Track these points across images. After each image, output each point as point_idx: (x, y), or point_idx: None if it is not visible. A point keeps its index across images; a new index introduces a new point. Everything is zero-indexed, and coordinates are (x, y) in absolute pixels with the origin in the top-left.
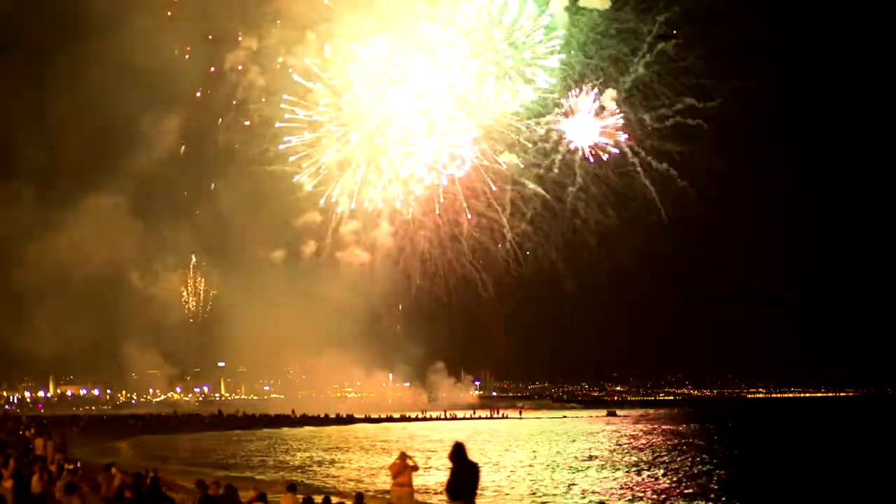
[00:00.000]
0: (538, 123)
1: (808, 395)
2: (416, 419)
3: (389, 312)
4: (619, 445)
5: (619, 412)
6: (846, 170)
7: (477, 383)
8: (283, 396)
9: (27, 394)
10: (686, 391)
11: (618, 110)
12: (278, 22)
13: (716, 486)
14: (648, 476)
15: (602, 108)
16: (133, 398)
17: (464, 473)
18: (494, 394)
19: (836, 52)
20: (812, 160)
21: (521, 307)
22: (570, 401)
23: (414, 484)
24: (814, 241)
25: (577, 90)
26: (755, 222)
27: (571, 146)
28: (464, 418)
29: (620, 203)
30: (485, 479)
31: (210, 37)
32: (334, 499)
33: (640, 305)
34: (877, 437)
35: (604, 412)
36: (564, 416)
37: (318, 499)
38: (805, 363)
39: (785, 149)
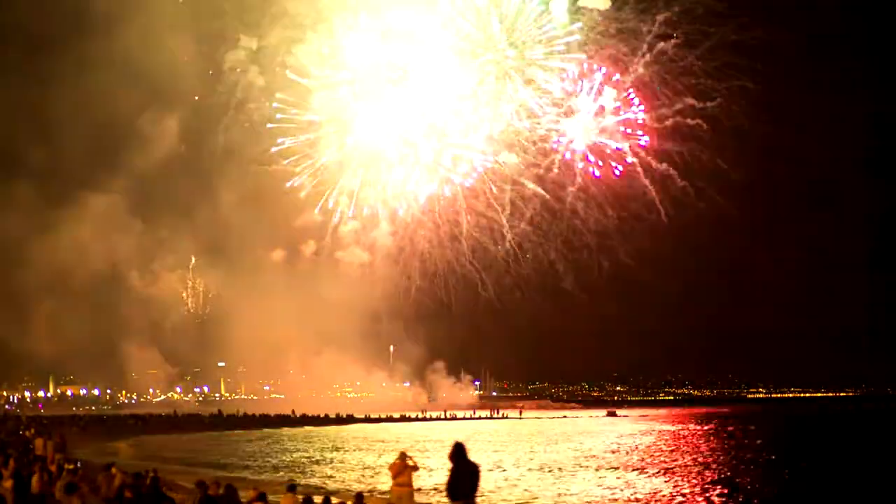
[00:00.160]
0: (538, 123)
1: (808, 395)
2: (416, 419)
3: (389, 312)
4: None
5: (619, 412)
6: (846, 169)
7: (477, 383)
8: (283, 396)
9: (27, 394)
10: (686, 391)
11: (617, 110)
12: (278, 22)
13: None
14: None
15: (602, 108)
16: (133, 398)
17: (464, 473)
18: (494, 394)
19: (835, 52)
20: (812, 159)
21: (520, 307)
22: (570, 401)
23: (414, 484)
24: (814, 241)
25: (577, 90)
26: (755, 222)
27: (571, 146)
28: (464, 418)
29: (620, 203)
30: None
31: (210, 37)
32: (334, 499)
33: (640, 305)
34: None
35: (604, 412)
36: (564, 416)
37: (318, 499)
38: (805, 363)
39: (785, 148)
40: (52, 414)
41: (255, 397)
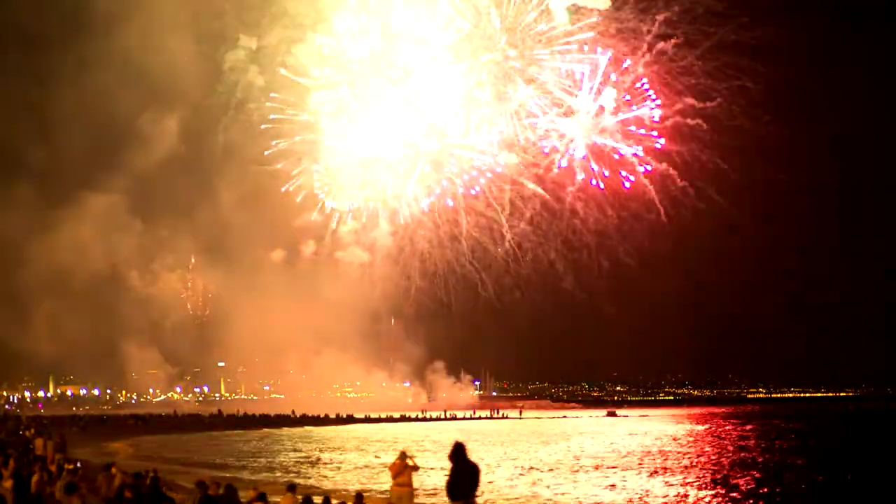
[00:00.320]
0: (538, 123)
1: (808, 394)
2: (416, 419)
3: (389, 312)
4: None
5: (619, 412)
6: (846, 169)
7: (477, 383)
8: (283, 396)
9: (27, 394)
10: (686, 391)
11: (617, 110)
12: (278, 22)
13: None
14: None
15: (602, 108)
16: (133, 398)
17: (464, 473)
18: (494, 394)
19: (836, 52)
20: (812, 160)
21: (520, 307)
22: (570, 401)
23: (414, 484)
24: (813, 241)
25: (577, 90)
26: (755, 222)
27: (571, 146)
28: (463, 418)
29: (620, 203)
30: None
31: (210, 37)
32: (334, 499)
33: (640, 305)
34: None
35: (604, 412)
36: (564, 416)
37: (318, 499)
38: (805, 363)
39: (785, 148)
40: (52, 414)
41: (255, 397)
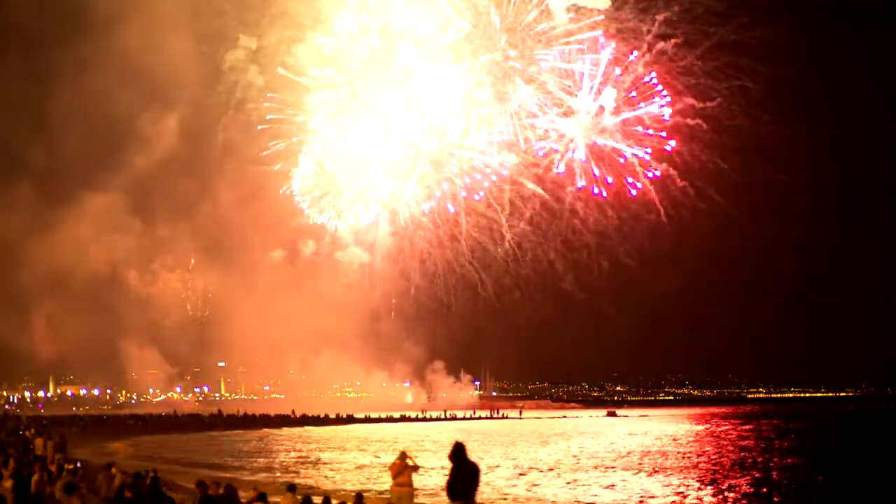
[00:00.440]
0: (538, 123)
1: (808, 394)
2: (416, 419)
3: (389, 312)
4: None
5: (619, 412)
6: (846, 169)
7: (477, 383)
8: (283, 396)
9: (27, 394)
10: (686, 391)
11: (617, 110)
12: (278, 22)
13: None
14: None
15: (601, 108)
16: (133, 398)
17: (463, 473)
18: (494, 394)
19: (836, 52)
20: (812, 160)
21: (520, 307)
22: (570, 401)
23: (414, 484)
24: (813, 241)
25: (577, 90)
26: (754, 222)
27: (571, 146)
28: (464, 418)
29: (620, 203)
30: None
31: (209, 36)
32: (334, 500)
33: (640, 305)
34: None
35: (604, 412)
36: (564, 416)
37: (318, 499)
38: (805, 363)
39: (785, 148)
40: (52, 414)
41: (255, 397)
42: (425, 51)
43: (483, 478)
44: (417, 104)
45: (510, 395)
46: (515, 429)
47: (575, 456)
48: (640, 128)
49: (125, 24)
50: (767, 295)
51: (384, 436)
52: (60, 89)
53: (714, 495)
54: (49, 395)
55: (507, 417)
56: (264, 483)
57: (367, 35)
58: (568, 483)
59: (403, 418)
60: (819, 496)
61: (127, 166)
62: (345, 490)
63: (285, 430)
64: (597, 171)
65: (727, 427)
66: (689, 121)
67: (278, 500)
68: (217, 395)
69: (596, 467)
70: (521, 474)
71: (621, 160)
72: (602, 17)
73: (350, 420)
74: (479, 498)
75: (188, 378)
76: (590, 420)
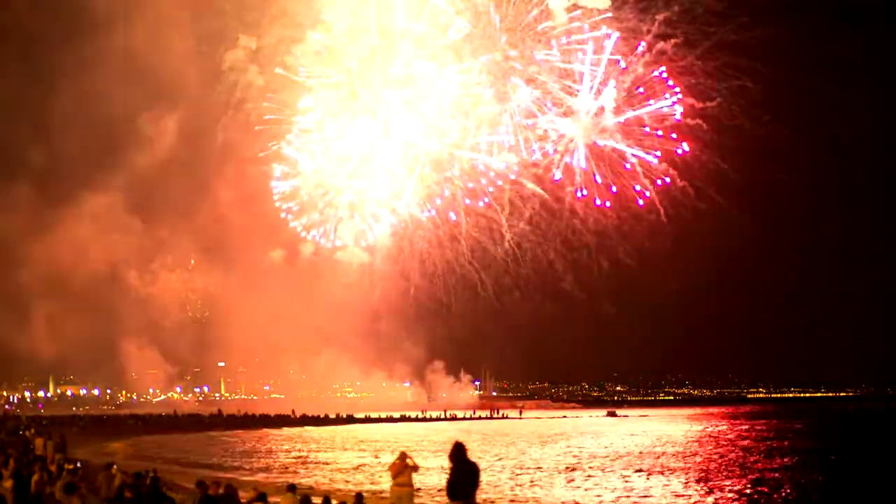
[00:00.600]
0: (537, 123)
1: (808, 394)
2: (416, 419)
3: (389, 312)
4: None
5: (619, 412)
6: (846, 169)
7: (477, 383)
8: (283, 396)
9: (27, 394)
10: (686, 391)
11: (617, 110)
12: (278, 21)
13: None
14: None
15: (601, 107)
16: (133, 398)
17: (463, 473)
18: (494, 394)
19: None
20: (812, 160)
21: (520, 307)
22: (570, 401)
23: (414, 484)
24: (813, 241)
25: (577, 90)
26: (755, 222)
27: (570, 146)
28: (464, 418)
29: (620, 203)
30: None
31: (209, 36)
32: (334, 500)
33: (640, 305)
34: None
35: (604, 412)
36: (564, 416)
37: (318, 499)
38: (805, 363)
39: (785, 148)
40: (52, 414)
41: (255, 397)
42: (425, 51)
43: (483, 478)
44: (417, 104)
45: (510, 395)
46: (515, 429)
47: (575, 456)
48: (646, 128)
49: (125, 24)
50: (767, 295)
51: (384, 436)
52: (60, 89)
53: (714, 495)
54: (49, 395)
55: (507, 417)
56: (264, 483)
57: (367, 35)
58: (567, 483)
59: (403, 418)
60: (819, 496)
61: (127, 166)
62: (345, 490)
63: (285, 431)
64: (599, 179)
65: (727, 427)
66: (689, 121)
67: (278, 500)
68: (217, 395)
69: (596, 468)
70: (520, 474)
71: (627, 166)
72: (607, 14)
73: (350, 420)
74: (478, 498)
75: (188, 378)
76: (590, 420)
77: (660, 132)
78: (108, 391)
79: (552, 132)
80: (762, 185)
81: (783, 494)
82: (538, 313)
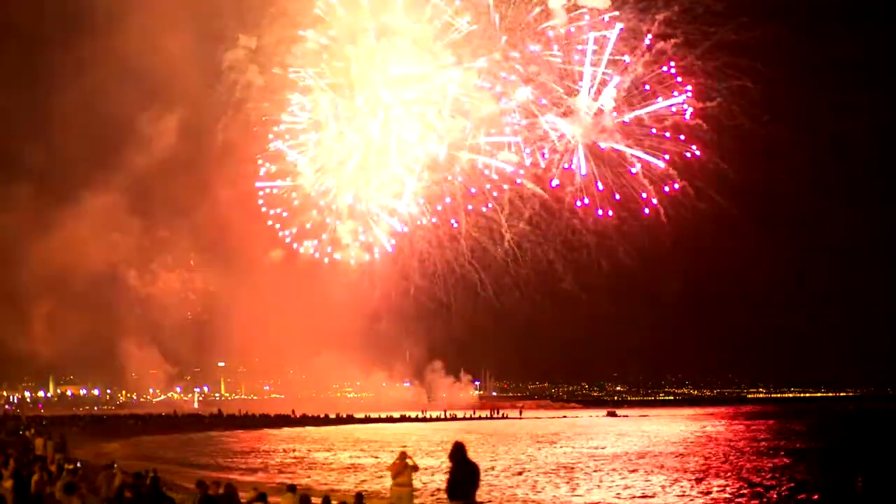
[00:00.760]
0: (537, 123)
1: (808, 394)
2: (416, 419)
3: (389, 312)
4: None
5: (618, 412)
6: (846, 169)
7: (477, 383)
8: (283, 396)
9: (27, 394)
10: (686, 391)
11: (617, 110)
12: (277, 21)
13: None
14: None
15: (601, 107)
16: (133, 398)
17: (463, 473)
18: (494, 394)
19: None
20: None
21: (519, 307)
22: (570, 401)
23: (414, 484)
24: (813, 241)
25: (577, 89)
26: (755, 222)
27: (570, 146)
28: (463, 418)
29: (620, 203)
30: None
31: (209, 36)
32: (334, 500)
33: (640, 305)
34: None
35: (604, 412)
36: (564, 416)
37: (318, 499)
38: (805, 363)
39: (785, 148)
40: (52, 414)
41: (255, 397)
42: (425, 51)
43: (483, 478)
44: (416, 104)
45: (510, 395)
46: (515, 429)
47: (575, 456)
48: (653, 129)
49: (125, 24)
50: (767, 295)
51: (384, 436)
52: (60, 89)
53: (713, 496)
54: (49, 395)
55: (507, 417)
56: (264, 483)
57: (367, 35)
58: (567, 483)
59: (403, 418)
60: (819, 496)
61: (126, 166)
62: (345, 490)
63: (285, 430)
64: (601, 186)
65: (728, 427)
66: (689, 121)
67: (278, 500)
68: (217, 395)
69: (596, 468)
70: (520, 474)
71: (632, 171)
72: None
73: (350, 420)
74: (478, 498)
75: (188, 378)
76: (590, 420)
77: (668, 134)
78: (108, 391)
79: (552, 132)
80: (762, 185)
81: (783, 494)
82: (538, 313)
